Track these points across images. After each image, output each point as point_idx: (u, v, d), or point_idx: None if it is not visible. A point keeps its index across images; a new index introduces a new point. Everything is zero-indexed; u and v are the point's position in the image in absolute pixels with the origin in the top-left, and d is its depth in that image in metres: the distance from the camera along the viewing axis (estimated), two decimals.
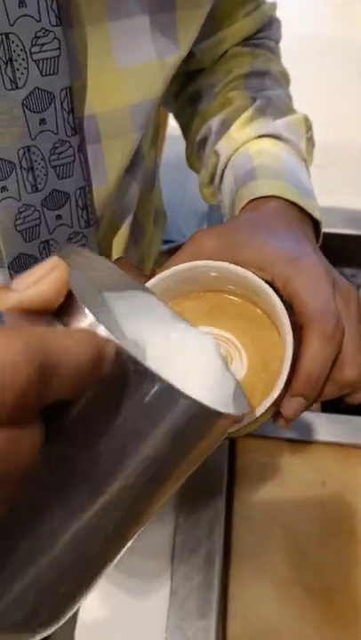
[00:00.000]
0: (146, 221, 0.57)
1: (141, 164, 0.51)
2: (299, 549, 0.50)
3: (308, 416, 0.56)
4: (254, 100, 0.52)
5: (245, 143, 0.49)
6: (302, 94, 0.59)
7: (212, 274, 0.36)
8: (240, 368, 0.34)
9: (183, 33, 0.45)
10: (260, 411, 0.32)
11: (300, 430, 0.55)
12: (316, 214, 0.44)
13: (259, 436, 0.55)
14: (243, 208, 0.44)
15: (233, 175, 0.48)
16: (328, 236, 0.69)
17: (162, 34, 0.44)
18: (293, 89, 0.57)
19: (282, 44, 0.60)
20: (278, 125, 0.50)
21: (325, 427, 0.55)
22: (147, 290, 0.31)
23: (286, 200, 0.43)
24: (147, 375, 0.22)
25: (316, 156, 0.54)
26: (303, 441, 0.55)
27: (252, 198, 0.43)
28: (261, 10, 0.55)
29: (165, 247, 0.66)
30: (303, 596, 0.48)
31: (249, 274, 0.35)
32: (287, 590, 0.48)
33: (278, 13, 0.59)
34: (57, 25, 0.39)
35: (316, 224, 0.45)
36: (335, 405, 0.59)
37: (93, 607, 0.49)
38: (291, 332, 0.33)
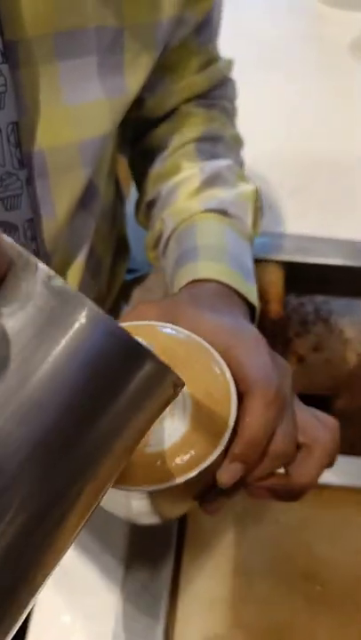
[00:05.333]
0: (105, 255, 0.58)
1: (96, 199, 0.52)
2: (248, 589, 0.49)
3: None
4: (204, 169, 0.52)
5: (192, 216, 0.50)
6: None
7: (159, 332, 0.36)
8: (182, 417, 0.33)
9: (131, 75, 0.47)
10: (196, 471, 0.31)
11: None
12: (253, 299, 0.45)
13: None
14: (183, 287, 0.44)
15: (176, 250, 0.48)
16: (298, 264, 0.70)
17: (110, 74, 0.46)
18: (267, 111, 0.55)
19: (253, 55, 0.59)
20: (225, 201, 0.50)
21: None
22: None
23: (225, 284, 0.43)
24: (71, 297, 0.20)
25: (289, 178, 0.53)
26: None
27: (191, 280, 0.44)
28: (216, 67, 0.56)
29: (130, 277, 0.66)
30: (250, 637, 0.46)
31: (194, 335, 0.35)
32: (234, 631, 0.47)
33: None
34: (3, 62, 0.40)
35: (254, 307, 0.45)
36: None
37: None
38: (236, 394, 0.33)
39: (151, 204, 0.55)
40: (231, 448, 0.33)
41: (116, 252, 0.62)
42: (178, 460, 0.31)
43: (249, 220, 0.51)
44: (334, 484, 0.54)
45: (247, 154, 0.61)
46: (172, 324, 0.36)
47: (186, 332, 0.35)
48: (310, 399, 0.83)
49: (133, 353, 0.21)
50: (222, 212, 0.49)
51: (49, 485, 0.20)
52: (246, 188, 0.52)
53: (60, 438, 0.20)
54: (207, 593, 0.49)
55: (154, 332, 0.35)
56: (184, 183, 0.52)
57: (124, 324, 0.35)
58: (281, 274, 0.69)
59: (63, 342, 0.20)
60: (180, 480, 0.30)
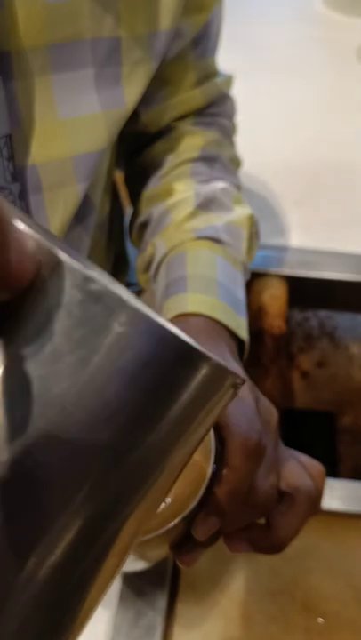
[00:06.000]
0: (101, 269, 0.56)
1: (92, 214, 0.50)
2: (244, 620, 0.47)
3: None
4: (199, 192, 0.50)
5: (183, 243, 0.48)
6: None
7: None
8: None
9: (129, 87, 0.45)
10: (173, 522, 0.29)
11: None
12: (243, 334, 0.43)
13: None
14: (170, 320, 0.43)
15: (166, 278, 0.47)
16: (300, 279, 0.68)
17: (107, 87, 0.44)
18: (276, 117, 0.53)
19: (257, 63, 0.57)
20: (219, 228, 0.48)
21: None
22: None
23: (214, 319, 0.42)
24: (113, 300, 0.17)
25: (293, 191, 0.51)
26: None
27: (178, 313, 0.42)
28: (213, 83, 0.54)
29: (129, 291, 0.65)
30: None
31: None
32: None
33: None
34: None
35: (243, 341, 0.44)
36: None
37: None
38: (214, 442, 0.31)
39: (143, 226, 0.53)
40: (210, 498, 0.31)
41: (115, 266, 0.60)
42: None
43: (243, 247, 0.49)
44: (338, 510, 0.52)
45: (252, 162, 0.59)
46: None
47: None
48: (314, 415, 0.81)
49: (188, 357, 0.19)
50: (215, 240, 0.47)
51: (103, 497, 0.19)
52: (242, 212, 0.50)
53: (116, 449, 0.19)
54: (203, 627, 0.47)
55: None
56: (178, 207, 0.50)
57: None
58: (284, 288, 0.67)
59: (105, 352, 0.18)
60: (155, 533, 0.29)
